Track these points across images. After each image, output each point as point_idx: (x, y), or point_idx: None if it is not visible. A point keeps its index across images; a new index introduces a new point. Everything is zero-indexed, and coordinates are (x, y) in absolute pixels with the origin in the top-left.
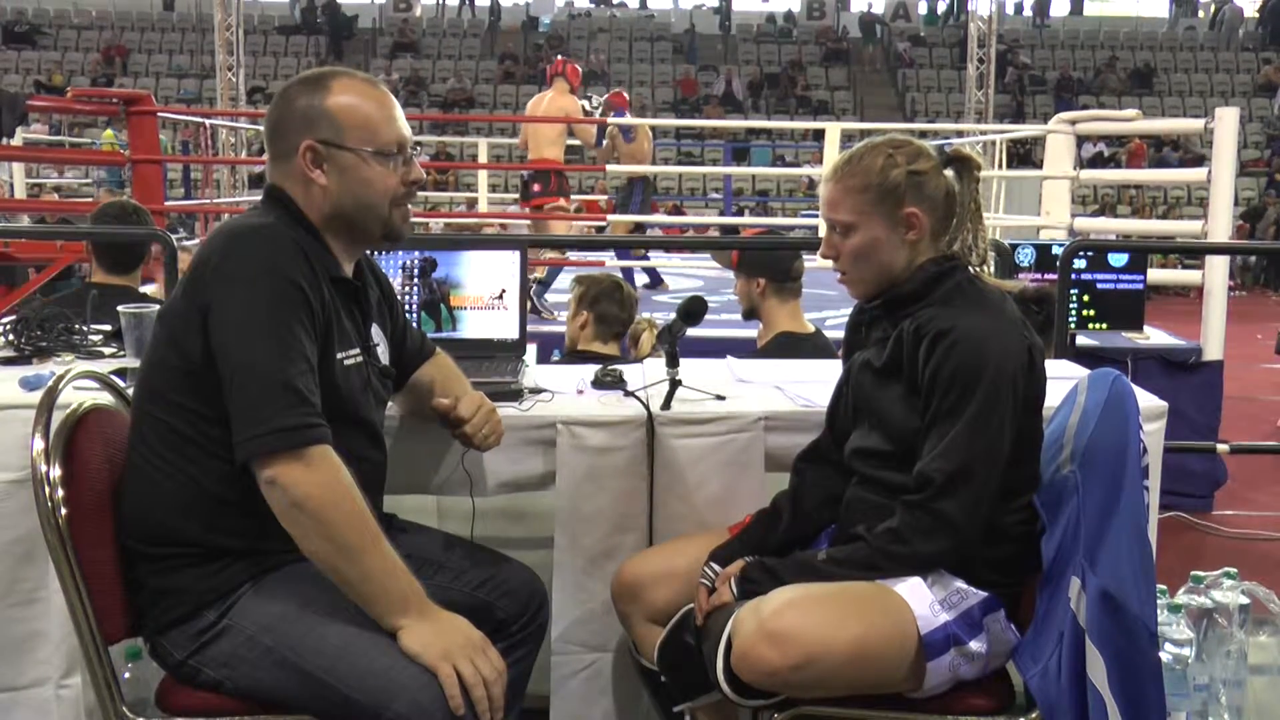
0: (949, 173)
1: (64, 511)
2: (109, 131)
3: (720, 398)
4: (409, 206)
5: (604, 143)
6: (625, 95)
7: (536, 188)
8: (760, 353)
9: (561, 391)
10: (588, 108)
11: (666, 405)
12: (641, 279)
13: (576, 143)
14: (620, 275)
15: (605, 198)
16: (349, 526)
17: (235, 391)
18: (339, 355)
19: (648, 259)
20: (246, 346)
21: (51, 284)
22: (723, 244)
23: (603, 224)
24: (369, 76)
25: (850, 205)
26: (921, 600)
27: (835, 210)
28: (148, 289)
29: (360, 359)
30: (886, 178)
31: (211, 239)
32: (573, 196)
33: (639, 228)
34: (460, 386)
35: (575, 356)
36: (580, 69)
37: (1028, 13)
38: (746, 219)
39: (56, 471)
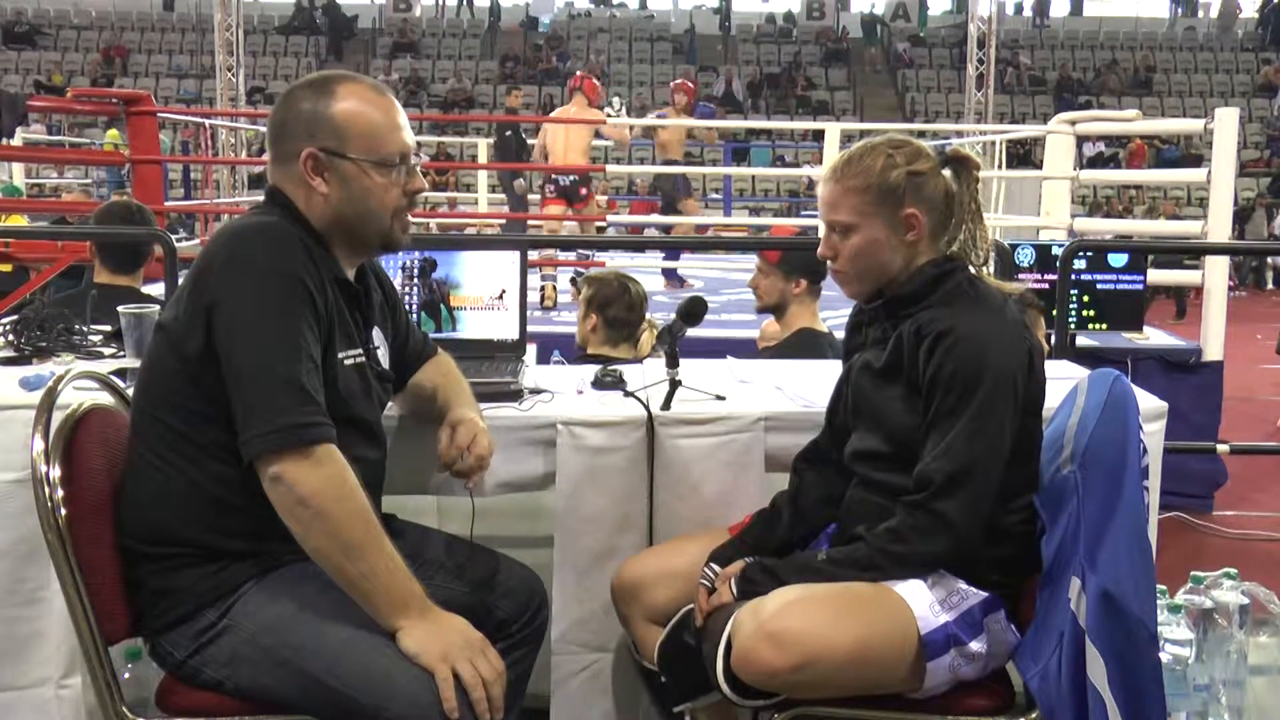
0: (947, 173)
1: (64, 511)
2: (113, 131)
3: (720, 398)
4: (408, 216)
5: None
6: (686, 84)
7: (584, 191)
8: (781, 347)
9: (561, 392)
10: (610, 112)
11: (666, 405)
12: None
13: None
14: (627, 274)
15: (605, 198)
16: (352, 524)
17: (241, 389)
18: (340, 354)
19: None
20: (252, 344)
21: (54, 284)
22: (763, 244)
23: (602, 224)
24: (375, 82)
25: (850, 206)
26: (921, 600)
27: (835, 211)
28: (152, 289)
29: (361, 359)
30: (886, 178)
31: (215, 239)
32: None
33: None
34: (459, 399)
35: (585, 359)
36: (599, 83)
37: (1028, 13)
38: (777, 220)
39: (56, 471)
